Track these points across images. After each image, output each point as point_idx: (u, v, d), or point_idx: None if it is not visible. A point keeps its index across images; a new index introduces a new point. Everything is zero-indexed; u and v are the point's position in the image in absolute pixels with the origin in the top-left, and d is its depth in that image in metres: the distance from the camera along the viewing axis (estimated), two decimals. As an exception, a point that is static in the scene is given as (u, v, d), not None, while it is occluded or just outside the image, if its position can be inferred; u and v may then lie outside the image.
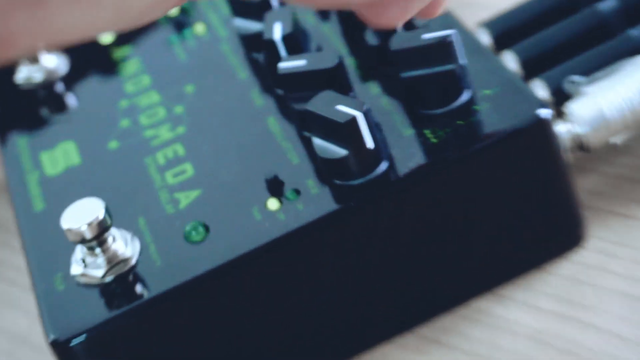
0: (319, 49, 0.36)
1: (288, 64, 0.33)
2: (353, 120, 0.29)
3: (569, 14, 0.38)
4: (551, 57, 0.36)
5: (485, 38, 0.39)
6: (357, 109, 0.30)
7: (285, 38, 0.34)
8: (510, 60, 0.37)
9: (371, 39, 0.35)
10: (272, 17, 0.35)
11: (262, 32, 0.36)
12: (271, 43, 0.34)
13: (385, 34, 0.33)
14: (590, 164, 0.36)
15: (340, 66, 0.32)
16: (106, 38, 0.42)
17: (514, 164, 0.31)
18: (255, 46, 0.37)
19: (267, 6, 0.37)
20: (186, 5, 0.42)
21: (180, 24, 0.41)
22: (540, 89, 0.35)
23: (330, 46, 0.36)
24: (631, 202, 0.34)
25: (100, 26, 0.23)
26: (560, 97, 0.35)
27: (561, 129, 0.33)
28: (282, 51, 0.34)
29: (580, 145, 0.33)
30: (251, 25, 0.37)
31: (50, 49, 0.21)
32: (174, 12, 0.42)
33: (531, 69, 0.37)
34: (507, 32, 0.39)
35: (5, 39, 0.21)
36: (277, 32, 0.34)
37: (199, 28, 0.40)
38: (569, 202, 0.32)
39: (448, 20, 0.34)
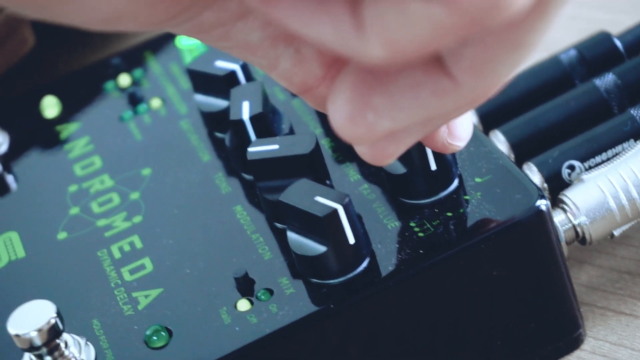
0: (292, 129, 0.36)
1: (258, 149, 0.32)
2: (334, 213, 0.29)
3: (562, 91, 0.38)
4: (544, 138, 0.37)
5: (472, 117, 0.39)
6: (337, 201, 0.29)
7: (254, 118, 0.34)
8: (499, 142, 0.37)
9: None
10: (239, 94, 0.35)
11: (228, 110, 0.36)
12: (239, 123, 0.34)
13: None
14: (586, 255, 0.36)
15: (316, 151, 0.32)
16: (50, 111, 0.42)
17: (508, 259, 0.31)
18: (220, 125, 0.37)
19: (233, 81, 0.37)
20: (139, 76, 0.42)
21: (134, 98, 0.41)
22: (533, 174, 0.35)
23: (303, 126, 0.36)
24: (631, 298, 0.34)
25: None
26: (555, 183, 0.35)
27: (559, 219, 0.33)
28: (251, 133, 0.34)
29: (579, 237, 0.33)
30: (215, 102, 0.37)
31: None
32: (126, 84, 0.42)
33: (522, 151, 0.37)
34: (494, 109, 0.39)
35: None
36: (246, 111, 0.34)
37: (156, 103, 0.40)
38: (566, 300, 0.32)
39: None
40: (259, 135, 0.34)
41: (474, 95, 0.23)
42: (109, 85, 0.42)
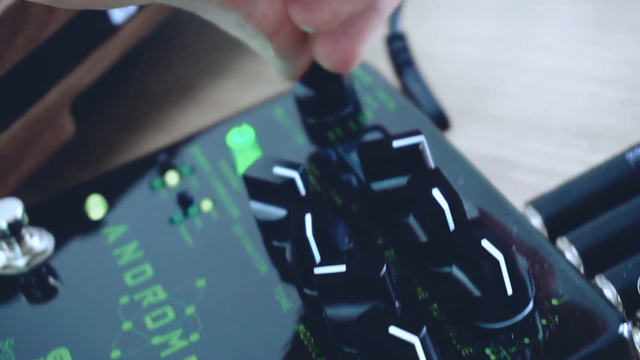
0: (353, 241, 0.35)
1: (325, 270, 0.32)
2: (410, 348, 0.28)
3: (631, 192, 0.38)
4: (616, 247, 0.36)
5: (535, 221, 0.38)
6: (413, 331, 0.29)
7: (317, 234, 0.33)
8: (567, 251, 0.36)
9: (415, 228, 0.34)
10: (300, 206, 0.35)
11: (286, 220, 0.35)
12: (302, 240, 0.33)
13: (437, 226, 0.33)
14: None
15: (386, 274, 0.31)
16: (96, 212, 0.41)
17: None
18: (277, 234, 0.37)
19: (292, 190, 0.36)
20: (187, 174, 0.42)
21: (184, 199, 0.40)
22: (606, 288, 0.35)
23: (364, 235, 0.36)
24: None
25: None
26: (630, 296, 0.34)
27: (638, 339, 0.32)
28: (314, 249, 0.33)
29: (661, 361, 0.32)
30: (272, 211, 0.37)
31: None
32: (174, 182, 0.41)
33: (592, 261, 0.36)
34: (560, 213, 0.38)
35: None
36: (308, 226, 0.34)
37: (206, 205, 0.40)
38: None
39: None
40: (321, 249, 0.33)
41: None
42: (156, 183, 0.42)
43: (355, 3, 0.33)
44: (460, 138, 0.49)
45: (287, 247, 0.35)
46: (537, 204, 0.39)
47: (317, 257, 0.33)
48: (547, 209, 0.39)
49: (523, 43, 0.55)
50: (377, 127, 0.41)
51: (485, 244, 0.31)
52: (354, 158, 0.40)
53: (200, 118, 0.57)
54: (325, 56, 0.37)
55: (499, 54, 0.55)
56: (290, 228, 0.34)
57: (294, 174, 0.36)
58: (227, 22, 0.34)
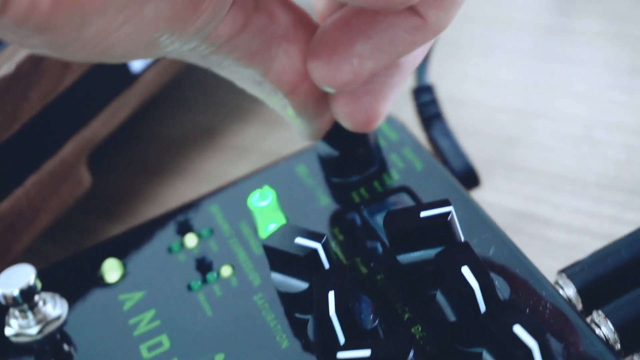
0: (379, 318, 0.34)
1: (349, 355, 0.31)
2: None
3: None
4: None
5: (569, 291, 0.37)
6: None
7: (341, 314, 0.32)
8: (603, 326, 0.35)
9: (444, 306, 0.33)
10: (322, 282, 0.33)
11: (309, 293, 0.34)
12: (325, 319, 0.32)
13: (467, 307, 0.32)
14: None
15: (412, 361, 0.30)
16: (112, 275, 0.40)
17: None
18: (299, 307, 0.36)
19: (314, 261, 0.35)
20: (207, 236, 0.41)
21: (203, 264, 0.39)
22: (644, 369, 0.33)
23: (390, 310, 0.34)
24: None
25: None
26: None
27: None
28: (338, 328, 0.32)
29: None
30: (294, 283, 0.36)
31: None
32: (193, 244, 0.40)
33: (629, 336, 0.35)
34: (595, 283, 0.37)
35: None
36: (332, 304, 0.33)
37: (226, 271, 0.39)
38: None
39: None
40: (345, 329, 0.32)
41: (438, 26, 0.31)
42: (175, 245, 0.41)
43: (377, 61, 0.32)
44: (489, 193, 0.48)
45: (310, 323, 0.34)
46: (571, 272, 0.38)
47: (341, 338, 0.32)
48: (581, 278, 0.38)
49: (554, 89, 0.54)
50: (403, 189, 0.40)
51: (518, 329, 0.30)
52: (378, 221, 0.39)
53: (221, 163, 0.56)
54: (345, 116, 0.36)
55: (529, 101, 0.54)
56: (312, 302, 0.33)
57: (317, 245, 0.35)
58: (244, 79, 0.34)
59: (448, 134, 0.45)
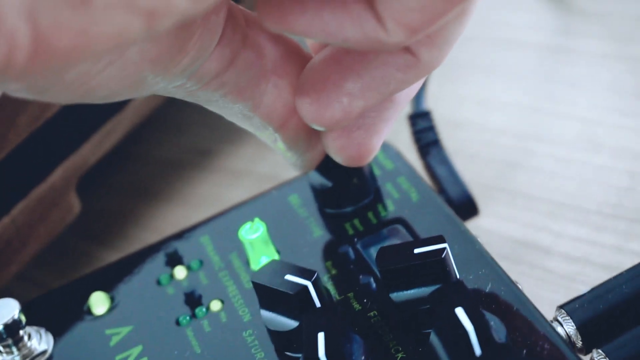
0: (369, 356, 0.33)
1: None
2: None
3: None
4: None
5: (568, 327, 0.36)
6: None
7: (331, 355, 0.31)
8: (604, 367, 0.34)
9: (438, 348, 0.32)
10: (312, 323, 0.33)
11: (299, 331, 0.33)
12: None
13: (461, 350, 0.31)
14: None
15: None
16: (99, 309, 0.40)
17: None
18: (290, 345, 0.35)
19: (304, 299, 0.34)
20: (196, 268, 0.40)
21: (192, 299, 0.39)
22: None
23: (388, 356, 0.34)
24: None
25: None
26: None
27: None
28: (328, 370, 0.32)
29: None
30: (284, 321, 0.35)
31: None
32: (182, 276, 0.40)
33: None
34: (595, 320, 0.36)
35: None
36: (321, 346, 0.32)
37: (215, 305, 0.38)
38: None
39: None
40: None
41: (431, 64, 0.30)
42: (164, 278, 0.40)
43: (367, 99, 0.31)
44: (488, 219, 0.47)
45: (299, 361, 0.33)
46: (571, 309, 0.37)
47: (332, 382, 0.31)
48: (581, 315, 0.37)
49: (556, 112, 0.53)
50: (398, 221, 0.39)
51: (512, 378, 0.29)
52: (372, 255, 0.38)
53: (215, 186, 0.55)
54: (337, 150, 0.35)
55: (531, 124, 0.53)
56: (302, 342, 0.33)
57: (307, 283, 0.34)
58: (233, 114, 0.33)
59: (446, 162, 0.45)
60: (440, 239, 0.34)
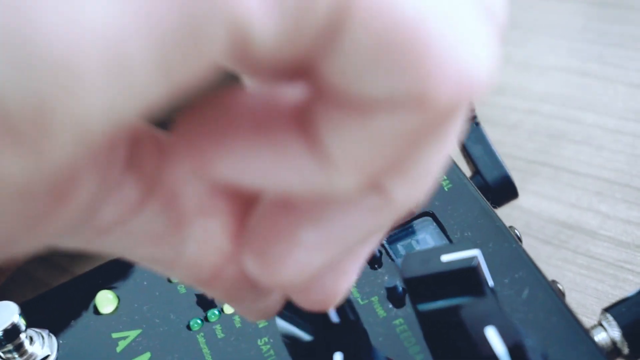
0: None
1: None
2: None
3: None
4: None
5: (613, 332, 0.34)
6: None
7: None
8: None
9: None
10: (329, 339, 0.31)
11: (315, 345, 0.31)
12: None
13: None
14: None
15: None
16: (106, 308, 0.38)
17: None
18: (307, 357, 0.33)
19: (322, 314, 0.32)
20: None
21: (205, 301, 0.36)
22: None
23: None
24: None
25: None
26: None
27: None
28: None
29: None
30: (298, 333, 0.33)
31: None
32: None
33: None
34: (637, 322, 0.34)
35: None
36: (338, 363, 0.30)
37: (229, 309, 0.36)
38: None
39: None
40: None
41: (407, 204, 0.22)
42: (175, 275, 0.38)
43: (329, 252, 0.23)
44: (529, 198, 0.45)
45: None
46: (616, 312, 0.34)
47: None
48: (627, 319, 0.34)
49: (606, 77, 0.50)
50: (427, 213, 0.37)
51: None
52: (399, 251, 0.35)
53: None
54: (298, 299, 0.26)
55: (579, 89, 0.50)
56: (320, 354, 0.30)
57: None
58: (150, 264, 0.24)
59: (483, 140, 0.42)
60: (470, 245, 0.31)
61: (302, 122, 0.19)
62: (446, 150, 0.21)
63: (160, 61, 0.16)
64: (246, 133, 0.20)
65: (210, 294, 0.25)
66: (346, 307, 0.32)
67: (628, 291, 0.35)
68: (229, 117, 0.20)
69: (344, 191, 0.20)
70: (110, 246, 0.22)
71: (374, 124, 0.18)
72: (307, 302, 0.25)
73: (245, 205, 0.23)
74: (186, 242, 0.23)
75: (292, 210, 0.22)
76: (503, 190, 0.41)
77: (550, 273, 0.41)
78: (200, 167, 0.20)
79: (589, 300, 0.38)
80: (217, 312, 0.36)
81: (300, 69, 0.18)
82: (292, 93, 0.20)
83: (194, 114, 0.20)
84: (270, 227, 0.23)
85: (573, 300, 0.40)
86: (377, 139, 0.19)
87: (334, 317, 0.32)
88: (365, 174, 0.20)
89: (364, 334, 0.32)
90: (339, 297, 0.25)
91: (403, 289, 0.34)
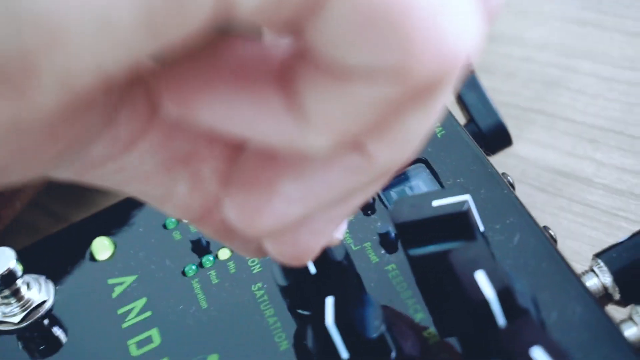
0: (385, 324, 0.31)
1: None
2: None
3: None
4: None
5: (605, 278, 0.34)
6: None
7: (341, 322, 0.30)
8: (641, 323, 0.32)
9: (458, 315, 0.30)
10: (320, 284, 0.31)
11: (309, 287, 0.32)
12: (322, 329, 0.30)
13: (482, 319, 0.29)
14: None
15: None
16: (103, 254, 0.38)
17: None
18: (301, 302, 0.33)
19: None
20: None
21: (199, 247, 0.37)
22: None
23: (400, 303, 0.32)
24: None
25: None
26: None
27: None
28: (337, 338, 0.30)
29: None
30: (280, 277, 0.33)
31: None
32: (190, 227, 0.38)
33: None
34: (635, 269, 0.34)
35: None
36: (329, 313, 0.30)
37: (224, 254, 0.37)
38: None
39: None
40: (346, 340, 0.30)
41: (389, 166, 0.22)
42: (170, 222, 0.38)
43: (307, 206, 0.24)
44: (525, 146, 0.45)
45: (308, 331, 0.31)
46: (608, 258, 0.35)
47: (342, 351, 0.30)
48: (619, 264, 0.35)
49: (603, 25, 0.50)
50: (420, 160, 0.37)
51: (537, 353, 0.27)
52: (392, 197, 0.36)
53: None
54: (273, 251, 0.26)
55: (575, 38, 0.50)
56: (311, 301, 0.31)
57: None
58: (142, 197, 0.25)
59: (477, 87, 0.42)
60: (461, 189, 0.32)
61: (284, 80, 0.20)
62: (432, 117, 0.21)
63: (148, 22, 0.16)
64: (230, 83, 0.20)
65: (201, 231, 0.26)
66: (332, 255, 0.33)
67: (622, 238, 0.35)
68: (216, 67, 0.20)
69: (317, 149, 0.21)
70: (102, 180, 0.23)
71: (352, 90, 0.19)
72: (281, 256, 0.25)
73: (236, 153, 0.24)
74: (177, 183, 0.24)
75: (274, 163, 0.23)
76: (497, 137, 0.42)
77: (545, 220, 0.41)
78: (186, 111, 0.20)
79: (583, 247, 0.39)
80: (211, 259, 0.37)
81: (287, 28, 0.18)
82: (279, 51, 0.20)
83: (183, 60, 0.20)
84: (251, 177, 0.23)
85: (568, 248, 0.41)
86: (354, 104, 0.19)
87: (312, 268, 0.32)
88: (339, 135, 0.20)
89: (356, 279, 0.33)
90: (312, 255, 0.26)
91: (395, 234, 0.35)
